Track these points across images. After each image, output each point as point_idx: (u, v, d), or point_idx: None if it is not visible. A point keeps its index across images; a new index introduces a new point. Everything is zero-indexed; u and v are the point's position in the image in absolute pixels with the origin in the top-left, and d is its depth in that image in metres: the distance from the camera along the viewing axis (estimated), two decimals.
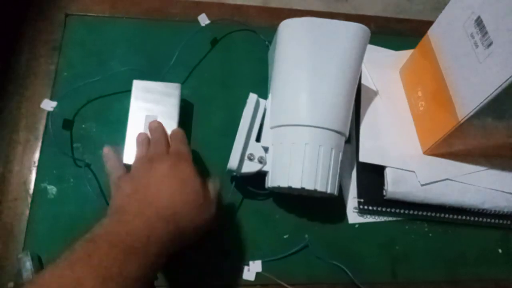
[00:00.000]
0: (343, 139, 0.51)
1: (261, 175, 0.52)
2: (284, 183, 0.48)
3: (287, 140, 0.49)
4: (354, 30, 0.50)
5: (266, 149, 0.51)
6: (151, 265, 0.36)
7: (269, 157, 0.51)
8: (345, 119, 0.51)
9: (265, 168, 0.51)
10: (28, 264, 0.45)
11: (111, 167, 0.46)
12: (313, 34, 0.50)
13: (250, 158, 0.50)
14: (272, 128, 0.52)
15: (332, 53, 0.50)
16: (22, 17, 0.59)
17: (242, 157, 0.50)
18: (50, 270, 0.33)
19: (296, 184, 0.47)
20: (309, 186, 0.47)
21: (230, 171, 0.50)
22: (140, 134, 0.49)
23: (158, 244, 0.37)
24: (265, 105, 0.53)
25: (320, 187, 0.47)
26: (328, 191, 0.48)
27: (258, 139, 0.52)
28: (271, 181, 0.50)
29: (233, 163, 0.49)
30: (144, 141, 0.48)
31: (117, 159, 0.48)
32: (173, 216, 0.39)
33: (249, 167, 0.50)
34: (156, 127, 0.50)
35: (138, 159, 0.47)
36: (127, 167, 0.47)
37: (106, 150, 0.48)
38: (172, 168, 0.42)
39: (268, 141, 0.52)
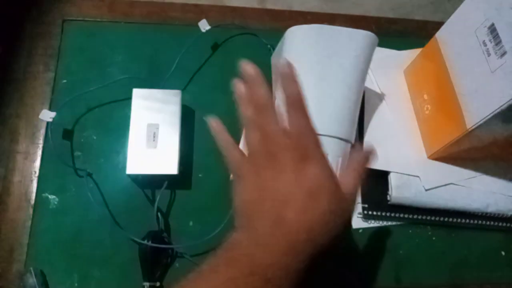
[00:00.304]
0: (348, 146, 0.51)
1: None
2: None
3: None
4: (362, 38, 0.50)
5: None
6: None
7: None
8: (351, 126, 0.50)
9: None
10: (31, 281, 0.45)
11: (226, 147, 0.40)
12: (320, 42, 0.49)
13: None
14: None
15: (340, 61, 0.49)
16: (19, 23, 0.58)
17: None
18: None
19: None
20: None
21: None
22: (243, 99, 0.39)
23: (297, 273, 0.33)
24: None
25: None
26: None
27: None
28: None
29: None
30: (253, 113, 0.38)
31: (229, 135, 0.40)
32: (308, 235, 0.34)
33: None
34: (289, 73, 0.38)
35: (254, 146, 0.38)
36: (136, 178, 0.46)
37: (214, 123, 0.41)
38: (299, 171, 0.35)
39: None
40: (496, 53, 0.42)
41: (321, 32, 0.50)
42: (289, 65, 0.38)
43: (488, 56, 0.43)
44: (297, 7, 1.38)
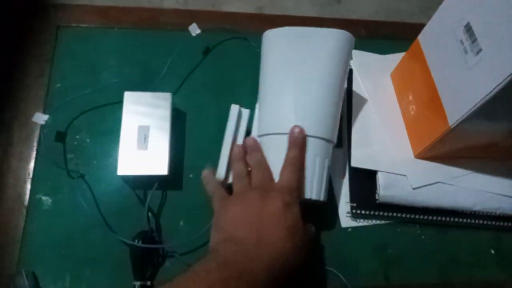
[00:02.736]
0: (330, 145, 0.51)
1: None
2: None
3: (271, 148, 0.50)
4: (335, 36, 0.51)
5: None
6: None
7: None
8: (330, 125, 0.51)
9: None
10: (22, 283, 0.46)
11: (212, 189, 0.50)
12: (293, 43, 0.51)
13: None
14: (258, 136, 0.52)
15: (314, 60, 0.50)
16: (13, 29, 0.59)
17: (229, 166, 0.51)
18: None
19: None
20: None
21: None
22: (236, 149, 0.52)
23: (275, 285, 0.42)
24: (248, 114, 0.54)
25: (303, 194, 0.48)
26: (314, 197, 0.49)
27: None
28: None
29: (220, 173, 0.51)
30: (242, 160, 0.51)
31: (216, 181, 0.51)
32: (283, 264, 0.42)
33: None
34: (253, 145, 0.51)
35: (242, 184, 0.49)
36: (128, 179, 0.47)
37: (205, 174, 0.51)
38: (284, 211, 0.43)
39: None
40: (473, 50, 0.43)
41: (293, 33, 0.51)
42: (252, 139, 0.52)
43: (466, 54, 0.44)
44: (293, 13, 1.41)
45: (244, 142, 0.52)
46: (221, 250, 0.42)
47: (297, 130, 0.48)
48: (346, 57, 0.52)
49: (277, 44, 0.52)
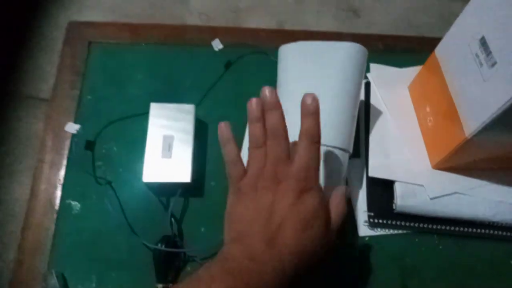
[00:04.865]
0: (346, 155, 0.53)
1: None
2: None
3: None
4: (347, 49, 0.53)
5: None
6: None
7: None
8: (346, 135, 0.52)
9: None
10: (53, 282, 0.49)
11: (231, 159, 0.43)
12: (307, 56, 0.53)
13: None
14: None
15: (328, 73, 0.52)
16: (50, 46, 0.63)
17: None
18: None
19: None
20: None
21: None
22: (254, 105, 0.42)
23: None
24: None
25: None
26: None
27: None
28: None
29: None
30: (260, 120, 0.42)
31: (234, 146, 0.44)
32: (298, 259, 0.38)
33: None
34: (271, 101, 0.42)
35: (259, 166, 0.42)
36: (152, 186, 0.49)
37: (224, 127, 0.44)
38: (298, 202, 0.39)
39: None
40: (488, 63, 0.44)
41: (307, 47, 0.53)
42: (270, 91, 0.42)
43: (481, 66, 0.45)
44: (313, 27, 1.44)
45: (261, 94, 0.43)
46: (228, 252, 0.39)
47: (309, 98, 0.41)
48: (359, 69, 0.54)
49: (291, 58, 0.54)
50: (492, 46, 0.44)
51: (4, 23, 1.23)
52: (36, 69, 1.15)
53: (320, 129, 0.41)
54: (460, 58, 0.50)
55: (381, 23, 1.30)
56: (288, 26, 1.36)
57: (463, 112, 0.49)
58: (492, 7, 0.45)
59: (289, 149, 0.42)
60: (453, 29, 0.53)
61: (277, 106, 0.42)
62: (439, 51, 0.56)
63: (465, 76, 0.49)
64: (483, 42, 0.45)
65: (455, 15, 0.52)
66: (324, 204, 0.40)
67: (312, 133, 0.41)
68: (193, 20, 1.49)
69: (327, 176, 0.50)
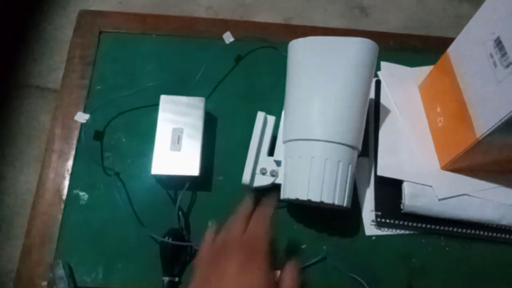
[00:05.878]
0: (355, 152, 0.52)
1: (277, 187, 0.54)
2: (292, 195, 0.50)
3: (295, 154, 0.52)
4: (358, 45, 0.52)
5: (279, 163, 0.54)
6: None
7: (281, 171, 0.53)
8: (354, 131, 0.52)
9: (277, 181, 0.53)
10: (60, 272, 0.49)
11: (200, 245, 0.45)
12: (317, 52, 0.52)
13: (263, 172, 0.53)
14: (284, 142, 0.54)
15: (338, 68, 0.52)
16: (60, 35, 0.63)
17: (254, 171, 0.53)
18: None
19: (303, 196, 0.49)
20: (315, 198, 0.49)
21: (245, 185, 0.53)
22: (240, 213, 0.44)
23: None
24: (273, 121, 0.56)
25: (326, 199, 0.49)
26: (336, 202, 0.49)
27: (271, 153, 0.55)
28: (283, 194, 0.52)
29: (245, 178, 0.53)
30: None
31: (210, 237, 0.45)
32: None
33: (262, 181, 0.53)
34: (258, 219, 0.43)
35: (206, 244, 0.44)
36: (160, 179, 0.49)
37: (208, 233, 0.45)
38: (240, 271, 0.39)
39: (280, 155, 0.54)
40: (502, 64, 0.44)
41: (318, 42, 0.53)
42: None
43: (495, 67, 0.45)
44: (321, 25, 1.43)
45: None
46: None
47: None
48: (370, 65, 0.53)
49: (302, 53, 0.54)
50: (507, 46, 0.44)
51: (12, 12, 1.23)
52: (44, 59, 1.16)
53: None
54: (473, 58, 0.50)
55: (390, 23, 1.29)
56: (295, 23, 1.36)
57: (474, 113, 0.49)
58: (508, 7, 0.45)
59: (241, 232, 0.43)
60: (467, 29, 0.52)
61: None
62: (452, 51, 0.55)
63: (478, 76, 0.48)
64: (498, 43, 0.45)
65: (464, 16, 0.52)
66: (270, 275, 0.40)
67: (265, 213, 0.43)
68: (200, 14, 1.48)
69: (335, 174, 0.50)
